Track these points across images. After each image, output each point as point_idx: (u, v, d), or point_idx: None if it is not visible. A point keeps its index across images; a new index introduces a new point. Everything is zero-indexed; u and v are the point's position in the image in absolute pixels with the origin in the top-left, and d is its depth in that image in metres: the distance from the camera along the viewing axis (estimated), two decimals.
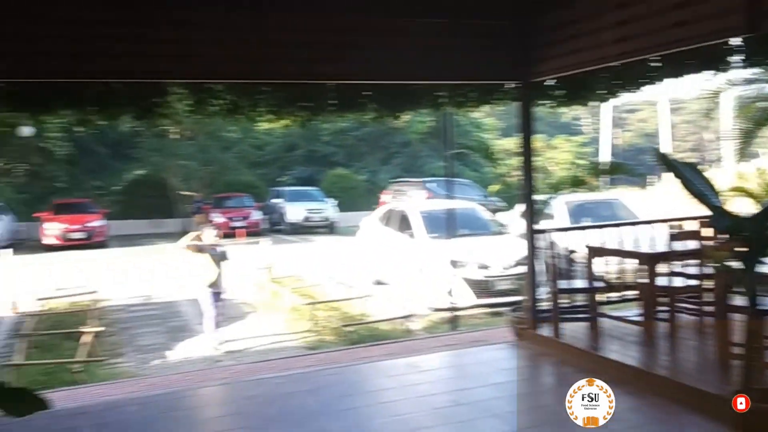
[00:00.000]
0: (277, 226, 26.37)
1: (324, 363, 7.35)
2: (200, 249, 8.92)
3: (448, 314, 9.70)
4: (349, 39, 6.01)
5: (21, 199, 25.39)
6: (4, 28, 4.97)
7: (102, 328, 9.31)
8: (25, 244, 22.03)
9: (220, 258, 9.04)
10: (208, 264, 8.85)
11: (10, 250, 13.42)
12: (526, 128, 6.71)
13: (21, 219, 24.01)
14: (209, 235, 9.11)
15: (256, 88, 6.41)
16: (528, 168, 6.73)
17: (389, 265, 12.70)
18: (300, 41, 5.84)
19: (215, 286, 8.97)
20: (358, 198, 29.50)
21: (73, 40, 5.21)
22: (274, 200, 27.40)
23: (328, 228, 25.88)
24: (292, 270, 14.67)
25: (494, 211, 14.43)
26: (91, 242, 22.11)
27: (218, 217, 24.50)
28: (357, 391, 5.83)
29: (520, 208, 7.38)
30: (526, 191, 6.76)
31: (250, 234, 22.70)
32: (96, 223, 22.93)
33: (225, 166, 29.42)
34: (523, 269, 7.35)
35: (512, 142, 20.09)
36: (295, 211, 25.76)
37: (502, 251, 10.95)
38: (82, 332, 8.57)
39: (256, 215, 25.77)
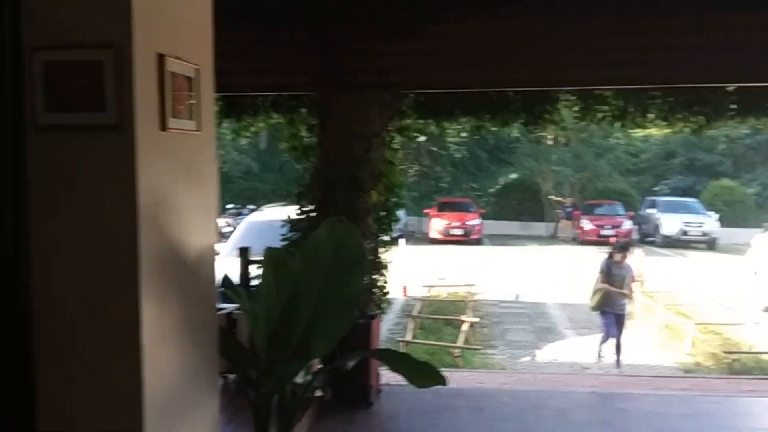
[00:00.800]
0: (648, 238, 25.05)
1: (701, 389, 6.83)
2: (609, 280, 8.13)
3: None
4: (756, 36, 5.42)
5: (410, 196, 28.57)
6: (412, 45, 5.62)
7: (477, 319, 10.01)
8: (413, 236, 24.80)
9: (624, 276, 8.28)
10: (605, 281, 8.19)
11: (403, 240, 15.21)
12: None
13: (410, 214, 27.08)
14: (634, 258, 8.36)
15: (646, 93, 6.20)
16: None
17: None
18: (696, 42, 5.46)
19: (616, 304, 8.23)
20: (745, 213, 26.43)
21: (471, 53, 5.66)
22: (647, 210, 26.09)
23: (708, 244, 23.68)
24: (665, 285, 13.84)
25: None
26: (468, 239, 23.89)
27: (587, 224, 24.31)
28: (741, 426, 5.28)
29: None
30: None
31: None
32: (474, 221, 24.68)
33: (597, 173, 29.01)
34: None
35: None
36: (670, 223, 24.13)
37: None
38: (461, 320, 9.33)
39: (627, 225, 24.86)
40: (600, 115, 6.37)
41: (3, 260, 2.25)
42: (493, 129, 7.09)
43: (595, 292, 8.27)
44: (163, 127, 2.18)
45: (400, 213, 26.31)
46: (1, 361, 2.27)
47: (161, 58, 2.15)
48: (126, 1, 1.99)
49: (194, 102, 2.40)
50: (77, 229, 2.11)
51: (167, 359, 2.27)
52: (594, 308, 8.34)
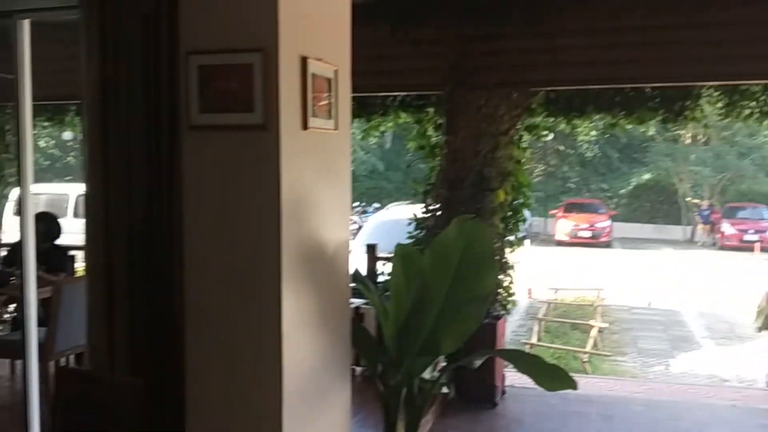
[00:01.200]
0: None
1: None
2: None
3: None
4: None
5: (536, 197, 27.92)
6: (542, 42, 5.48)
7: (606, 325, 9.65)
8: (538, 237, 24.27)
9: None
10: None
11: (528, 241, 14.93)
12: None
13: (535, 214, 26.51)
14: None
15: None
16: None
17: None
18: None
19: None
20: None
21: (604, 48, 5.46)
22: None
23: None
24: None
25: None
26: (596, 242, 23.04)
27: (728, 229, 22.78)
28: None
29: None
30: None
31: (765, 249, 20.52)
32: (603, 223, 23.76)
33: (741, 174, 27.05)
34: None
35: None
36: None
37: None
38: (590, 325, 9.03)
39: None
40: (747, 111, 5.95)
41: (159, 252, 2.45)
42: (628, 127, 6.76)
43: (759, 312, 7.62)
44: (305, 126, 2.29)
45: (526, 213, 25.79)
46: (155, 345, 2.47)
47: (304, 61, 2.25)
48: (273, 7, 2.10)
49: (332, 102, 2.50)
50: (225, 222, 2.26)
51: (304, 347, 2.38)
52: (761, 328, 7.69)
